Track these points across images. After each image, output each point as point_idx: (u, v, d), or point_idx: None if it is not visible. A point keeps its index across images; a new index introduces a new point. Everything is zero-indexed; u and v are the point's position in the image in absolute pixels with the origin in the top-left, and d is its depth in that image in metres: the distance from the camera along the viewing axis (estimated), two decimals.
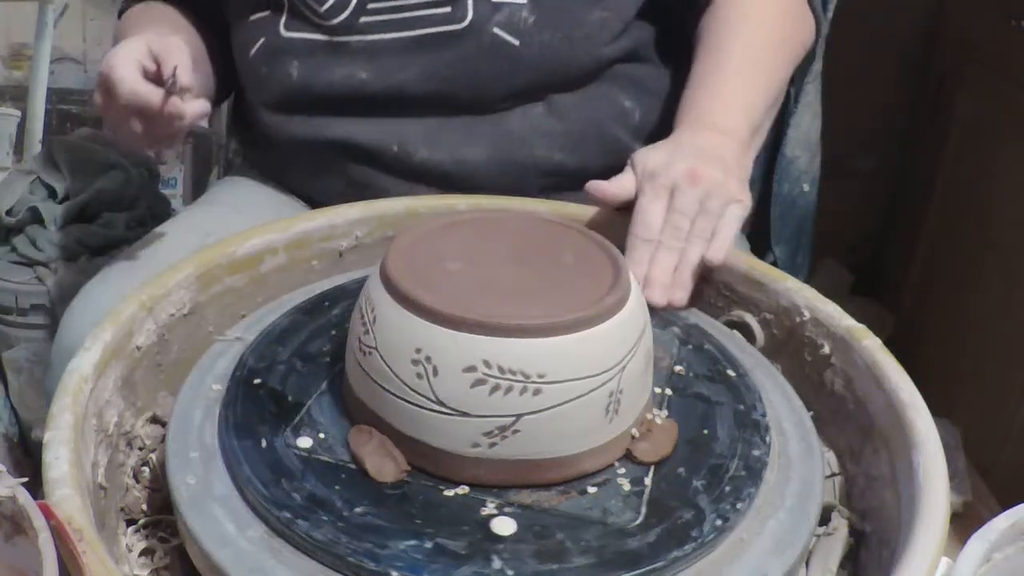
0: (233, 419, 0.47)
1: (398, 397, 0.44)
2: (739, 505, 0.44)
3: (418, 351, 0.43)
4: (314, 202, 0.84)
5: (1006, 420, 1.37)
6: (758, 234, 1.05)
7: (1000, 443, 1.39)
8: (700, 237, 0.61)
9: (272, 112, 0.81)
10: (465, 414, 0.43)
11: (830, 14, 1.03)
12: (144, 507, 0.49)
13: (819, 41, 0.85)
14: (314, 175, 0.82)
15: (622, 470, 0.46)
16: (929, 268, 1.72)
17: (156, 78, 0.65)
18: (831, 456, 0.54)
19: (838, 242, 1.89)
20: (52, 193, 1.40)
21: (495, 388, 0.42)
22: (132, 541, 0.48)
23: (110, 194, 1.43)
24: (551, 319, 0.43)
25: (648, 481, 0.45)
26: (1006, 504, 0.45)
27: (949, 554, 0.42)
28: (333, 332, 0.55)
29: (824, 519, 0.49)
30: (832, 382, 0.55)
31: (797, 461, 0.49)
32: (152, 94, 0.65)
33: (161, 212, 1.48)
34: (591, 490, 0.45)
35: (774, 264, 0.97)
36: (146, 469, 0.51)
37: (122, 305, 0.52)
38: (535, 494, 0.44)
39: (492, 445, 0.43)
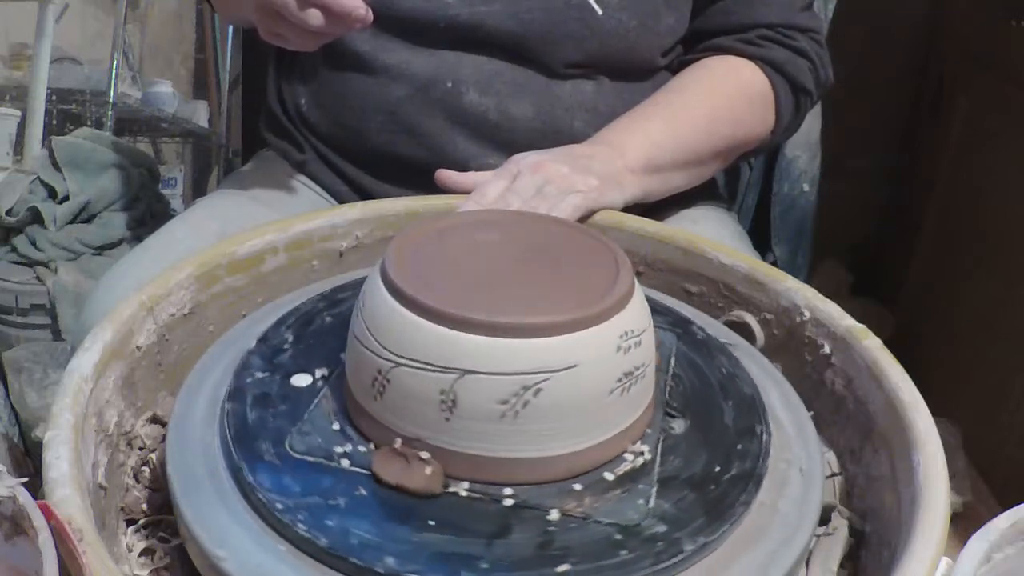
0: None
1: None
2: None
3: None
4: (340, 153, 0.85)
5: (1006, 420, 1.37)
6: (758, 234, 1.05)
7: (1000, 443, 1.39)
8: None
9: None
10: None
11: (830, 14, 1.04)
12: (144, 507, 0.49)
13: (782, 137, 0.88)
14: (360, 112, 0.82)
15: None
16: (929, 268, 1.72)
17: None
18: (831, 456, 0.54)
19: (838, 242, 1.89)
20: (52, 193, 1.41)
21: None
22: (132, 541, 0.48)
23: (110, 194, 1.44)
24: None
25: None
26: (1006, 504, 0.45)
27: (949, 554, 0.42)
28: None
29: (824, 519, 0.49)
30: (832, 382, 0.55)
31: (797, 461, 0.49)
32: None
33: (161, 212, 1.49)
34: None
35: (774, 264, 0.97)
36: (146, 469, 0.51)
37: (122, 305, 0.52)
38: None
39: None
